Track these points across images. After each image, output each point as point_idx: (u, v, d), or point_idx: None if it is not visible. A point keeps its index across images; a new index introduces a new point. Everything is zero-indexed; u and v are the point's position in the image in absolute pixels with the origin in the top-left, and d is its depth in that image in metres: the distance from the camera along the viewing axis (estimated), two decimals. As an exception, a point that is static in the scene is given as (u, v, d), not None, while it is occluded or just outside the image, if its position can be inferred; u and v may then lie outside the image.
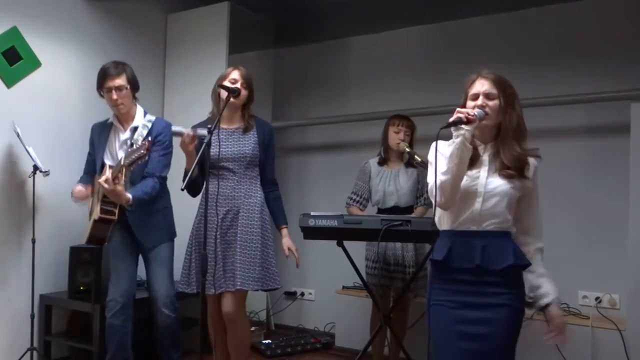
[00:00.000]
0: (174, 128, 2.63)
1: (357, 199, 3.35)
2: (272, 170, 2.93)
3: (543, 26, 3.76)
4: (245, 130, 2.83)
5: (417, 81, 4.18)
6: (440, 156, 1.96)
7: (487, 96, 1.97)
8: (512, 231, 2.00)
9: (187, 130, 2.59)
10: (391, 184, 3.25)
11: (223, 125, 2.82)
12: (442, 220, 2.05)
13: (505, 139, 1.99)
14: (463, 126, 1.89)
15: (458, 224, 1.99)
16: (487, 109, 1.94)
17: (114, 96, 2.90)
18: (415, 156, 3.14)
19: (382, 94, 4.31)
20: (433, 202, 1.94)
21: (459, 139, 1.89)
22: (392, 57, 4.35)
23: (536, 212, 2.05)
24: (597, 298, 3.46)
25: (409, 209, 3.23)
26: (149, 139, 2.75)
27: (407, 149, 3.18)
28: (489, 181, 1.97)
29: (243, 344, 2.83)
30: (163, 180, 2.97)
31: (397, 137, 3.23)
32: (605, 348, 3.15)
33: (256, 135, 2.83)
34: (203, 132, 2.51)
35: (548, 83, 3.61)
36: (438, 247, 2.03)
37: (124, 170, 2.67)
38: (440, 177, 1.91)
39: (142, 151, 2.58)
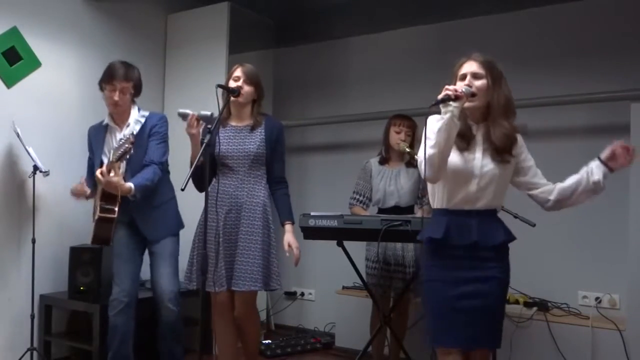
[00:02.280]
0: (180, 110, 2.62)
1: (360, 198, 3.34)
2: (281, 169, 2.89)
3: (543, 26, 3.76)
4: (253, 128, 2.81)
5: (417, 81, 4.17)
6: (429, 132, 2.08)
7: (475, 76, 2.09)
8: (498, 208, 2.14)
9: (192, 112, 2.58)
10: (392, 184, 3.25)
11: (232, 123, 2.82)
12: (436, 199, 2.16)
13: (495, 117, 2.10)
14: (451, 103, 1.99)
15: (453, 204, 2.09)
16: (473, 88, 2.06)
17: (116, 97, 2.91)
18: (415, 156, 3.13)
19: (382, 94, 4.31)
20: (422, 175, 2.07)
21: (447, 115, 1.99)
22: (393, 57, 4.35)
23: (535, 168, 2.18)
24: (597, 298, 3.46)
25: (409, 209, 3.23)
26: (133, 132, 2.77)
27: (407, 149, 3.18)
28: (484, 163, 2.07)
29: (256, 338, 2.99)
30: (163, 166, 2.98)
31: (397, 137, 3.23)
32: (605, 348, 3.15)
33: (263, 133, 2.80)
34: (207, 114, 2.53)
35: (548, 83, 3.61)
36: (434, 225, 2.13)
37: (115, 166, 2.68)
38: (429, 151, 2.01)
39: (126, 145, 2.61)
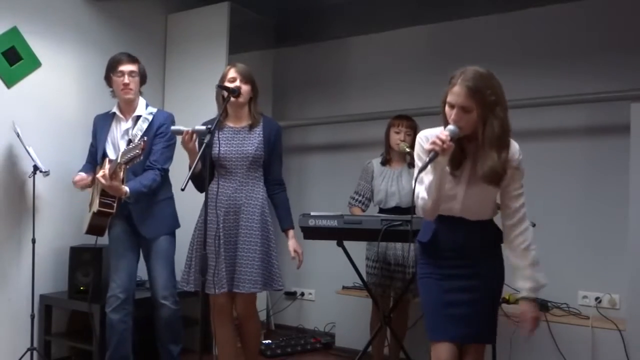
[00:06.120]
0: (173, 127, 2.66)
1: (360, 198, 3.35)
2: (279, 171, 2.90)
3: (543, 26, 3.75)
4: (252, 127, 2.80)
5: (417, 81, 4.17)
6: (420, 148, 2.06)
7: (463, 109, 1.92)
8: (491, 218, 2.13)
9: (186, 129, 2.59)
10: (393, 185, 3.25)
11: (230, 124, 2.82)
12: None
13: (484, 148, 1.95)
14: (438, 159, 1.92)
15: (442, 211, 2.10)
16: (461, 124, 1.93)
17: (126, 79, 2.95)
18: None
19: (382, 93, 4.31)
20: (416, 205, 2.07)
21: (437, 170, 1.96)
22: (393, 57, 4.35)
23: (521, 200, 2.08)
24: (597, 298, 3.46)
25: (410, 210, 3.23)
26: (145, 138, 2.79)
27: (408, 149, 3.17)
28: (468, 190, 2.04)
29: (256, 338, 2.99)
30: (165, 172, 3.00)
31: (397, 138, 3.23)
32: (605, 348, 3.15)
33: (262, 135, 2.80)
34: (201, 128, 2.53)
35: (548, 83, 3.61)
36: (424, 230, 2.17)
37: (122, 167, 2.69)
38: (422, 201, 2.03)
39: (137, 151, 2.62)
